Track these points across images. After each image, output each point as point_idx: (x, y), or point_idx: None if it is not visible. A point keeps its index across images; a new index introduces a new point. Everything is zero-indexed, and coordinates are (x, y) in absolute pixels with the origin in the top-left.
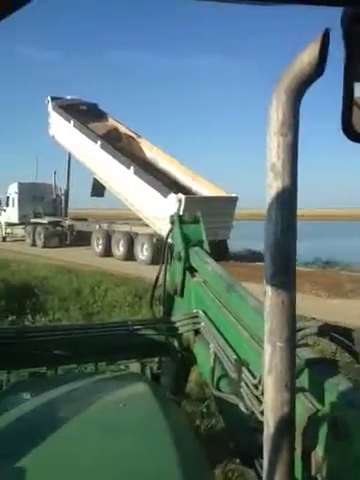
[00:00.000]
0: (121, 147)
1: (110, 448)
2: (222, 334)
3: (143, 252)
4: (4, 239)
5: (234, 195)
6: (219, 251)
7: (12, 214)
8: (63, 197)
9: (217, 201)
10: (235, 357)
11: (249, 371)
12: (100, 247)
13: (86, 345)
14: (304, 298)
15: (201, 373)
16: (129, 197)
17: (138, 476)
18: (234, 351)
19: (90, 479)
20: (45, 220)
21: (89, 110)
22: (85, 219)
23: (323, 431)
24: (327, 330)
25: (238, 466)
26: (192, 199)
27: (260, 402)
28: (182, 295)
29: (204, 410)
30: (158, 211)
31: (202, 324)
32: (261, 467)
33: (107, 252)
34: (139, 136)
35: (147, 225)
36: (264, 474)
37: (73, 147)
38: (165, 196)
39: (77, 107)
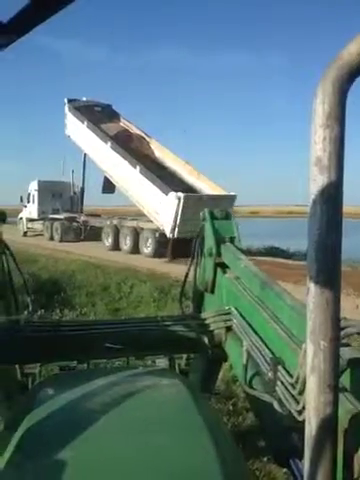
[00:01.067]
0: (131, 147)
1: (149, 442)
2: (256, 331)
3: (147, 246)
4: (25, 234)
5: (232, 194)
6: None
7: (32, 210)
8: (80, 194)
9: (215, 199)
10: (270, 355)
11: (285, 370)
12: (109, 241)
13: (116, 340)
14: None
15: (233, 371)
16: (135, 194)
17: (179, 471)
18: (269, 349)
19: (131, 473)
20: (62, 216)
21: (103, 111)
22: (99, 215)
23: None
24: None
25: (264, 464)
26: (190, 197)
27: (297, 402)
28: (213, 291)
29: (231, 408)
30: (160, 208)
31: (234, 321)
32: (296, 467)
33: (116, 246)
34: (149, 136)
35: (151, 221)
36: (305, 474)
37: (86, 147)
38: (166, 194)
39: (92, 108)
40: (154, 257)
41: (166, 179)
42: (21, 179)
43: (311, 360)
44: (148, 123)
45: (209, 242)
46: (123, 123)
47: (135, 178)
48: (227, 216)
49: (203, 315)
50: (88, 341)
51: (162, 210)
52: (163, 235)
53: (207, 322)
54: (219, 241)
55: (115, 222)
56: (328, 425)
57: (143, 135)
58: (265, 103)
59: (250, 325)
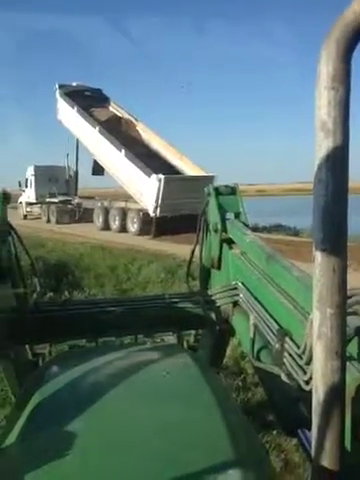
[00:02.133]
0: (119, 130)
1: (158, 415)
2: (263, 305)
3: (133, 225)
4: (25, 217)
5: (211, 174)
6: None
7: (31, 194)
8: (74, 178)
9: (195, 180)
10: (277, 327)
11: (292, 340)
12: (100, 222)
13: (124, 318)
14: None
15: (241, 345)
16: (121, 176)
17: (189, 444)
18: (276, 321)
19: (140, 446)
20: (57, 199)
21: (93, 96)
22: (93, 197)
23: None
24: None
25: (274, 437)
26: (171, 178)
27: (304, 372)
28: (219, 267)
29: (240, 383)
30: (143, 189)
31: (241, 296)
32: (305, 437)
33: (106, 226)
34: (137, 120)
35: (136, 201)
36: (313, 442)
37: (77, 131)
38: (149, 176)
39: (82, 93)
40: (140, 235)
41: (151, 161)
42: (21, 163)
43: (318, 327)
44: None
45: (214, 218)
46: (113, 107)
47: (121, 161)
48: (232, 191)
49: (210, 291)
50: (96, 319)
51: (145, 191)
52: (147, 214)
53: (214, 298)
54: (224, 217)
55: (105, 204)
56: (335, 392)
57: (131, 119)
58: (274, 84)
59: (257, 299)
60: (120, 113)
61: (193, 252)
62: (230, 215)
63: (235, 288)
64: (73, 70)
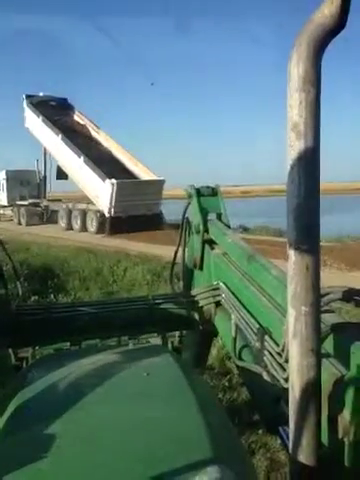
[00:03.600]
0: (81, 138)
1: (137, 414)
2: (243, 305)
3: (92, 225)
4: None
5: (161, 178)
6: (155, 221)
7: (3, 197)
8: (43, 182)
9: (146, 184)
10: (257, 326)
11: (272, 339)
12: (64, 222)
13: (108, 320)
14: (325, 272)
15: (223, 345)
16: (81, 181)
17: (167, 441)
18: (256, 320)
19: (118, 445)
20: (26, 202)
21: (58, 105)
22: (60, 200)
23: (349, 395)
24: (352, 294)
25: (261, 437)
26: (123, 183)
27: (284, 369)
28: (202, 268)
29: (226, 383)
30: (99, 192)
31: (223, 296)
32: (286, 435)
33: (69, 226)
34: (98, 128)
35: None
36: (291, 438)
37: (42, 138)
38: (103, 180)
39: (47, 103)
40: (98, 233)
41: (109, 166)
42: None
43: (293, 325)
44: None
45: (196, 219)
46: (77, 115)
47: (80, 167)
48: (214, 192)
49: (193, 292)
50: (80, 322)
51: (101, 194)
52: (103, 215)
53: (197, 299)
54: (206, 218)
55: (69, 206)
56: (311, 388)
57: (93, 127)
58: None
59: (238, 299)
60: (83, 121)
61: (176, 253)
62: (212, 216)
63: (217, 288)
64: (47, 71)
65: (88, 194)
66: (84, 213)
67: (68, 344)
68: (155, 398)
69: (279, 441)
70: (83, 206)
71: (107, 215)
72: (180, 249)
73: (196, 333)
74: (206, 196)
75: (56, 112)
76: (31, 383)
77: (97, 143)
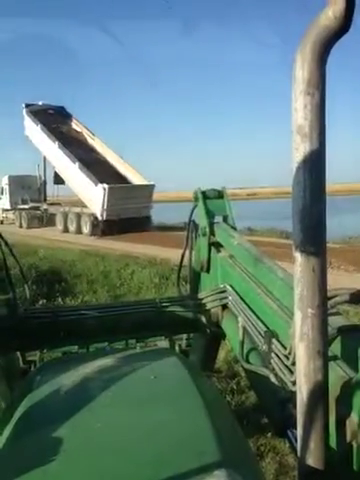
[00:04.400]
0: (77, 144)
1: (145, 418)
2: (250, 307)
3: (86, 227)
4: (1, 222)
5: (151, 183)
6: (144, 224)
7: (6, 201)
8: (43, 186)
9: (137, 188)
10: (264, 329)
11: (279, 342)
12: (61, 225)
13: (116, 323)
14: (332, 273)
15: (231, 347)
16: (75, 185)
17: (175, 445)
18: (263, 323)
19: (126, 448)
20: (27, 206)
21: (56, 113)
22: (59, 204)
23: (358, 398)
24: (359, 297)
25: (269, 440)
26: (114, 187)
27: (291, 372)
28: (208, 271)
29: (234, 386)
30: (92, 196)
31: (230, 298)
32: (294, 438)
33: (66, 229)
34: (94, 134)
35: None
36: (299, 441)
37: (41, 145)
38: (96, 185)
39: (46, 111)
40: (92, 235)
41: (103, 172)
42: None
43: (300, 328)
44: None
45: (202, 222)
46: (74, 123)
47: (75, 172)
48: (220, 195)
49: (200, 295)
50: (87, 325)
51: (94, 198)
52: (96, 218)
53: (204, 301)
54: (212, 220)
55: (66, 209)
56: (319, 391)
57: (89, 133)
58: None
59: (245, 301)
60: (79, 128)
61: (183, 256)
62: (218, 218)
63: (224, 291)
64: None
65: (82, 198)
66: (79, 216)
67: (76, 347)
68: (162, 401)
69: (288, 444)
70: (78, 210)
71: (100, 218)
72: (187, 252)
73: (203, 336)
74: (212, 199)
75: (54, 120)
76: (38, 387)
77: (92, 149)
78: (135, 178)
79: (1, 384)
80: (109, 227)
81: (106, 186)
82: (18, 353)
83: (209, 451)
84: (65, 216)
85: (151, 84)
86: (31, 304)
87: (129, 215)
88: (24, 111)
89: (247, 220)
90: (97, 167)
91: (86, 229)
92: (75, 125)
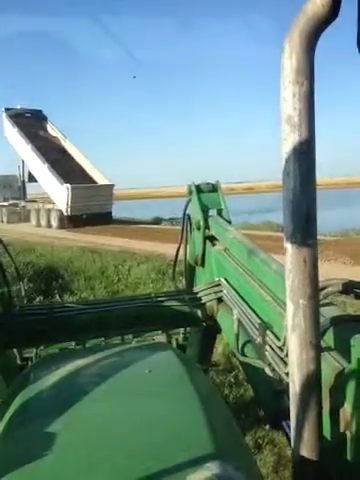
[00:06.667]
0: (49, 146)
1: (138, 412)
2: (245, 300)
3: (55, 221)
4: None
5: (111, 183)
6: (106, 218)
7: None
8: (22, 185)
9: (98, 188)
10: (259, 321)
11: (273, 334)
12: (35, 220)
13: (111, 319)
14: (329, 266)
15: (226, 340)
16: (46, 184)
17: (168, 438)
18: (257, 316)
19: (119, 442)
20: (6, 203)
21: (32, 117)
22: (35, 201)
23: (351, 388)
24: (352, 287)
25: (267, 432)
26: (77, 187)
27: (285, 364)
28: (203, 265)
29: (232, 380)
30: (59, 194)
31: (224, 292)
32: (289, 428)
33: (38, 224)
34: (65, 137)
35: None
36: (292, 432)
37: (17, 146)
38: (62, 184)
39: (23, 115)
40: (59, 229)
41: (71, 172)
42: None
43: (291, 319)
44: None
45: (197, 216)
46: (49, 126)
47: (44, 172)
48: (213, 188)
49: (195, 289)
50: (83, 321)
51: (59, 196)
52: (62, 213)
53: (199, 295)
54: (207, 214)
55: (39, 206)
56: (312, 382)
57: (61, 136)
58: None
59: (239, 294)
60: (54, 131)
61: (178, 250)
62: (212, 212)
63: (218, 284)
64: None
65: (51, 196)
66: (49, 212)
67: (73, 344)
68: (156, 395)
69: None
70: (49, 206)
71: (65, 214)
72: (182, 246)
73: (199, 330)
74: (206, 192)
75: (30, 123)
76: (33, 382)
77: (64, 151)
78: (99, 178)
79: None
80: (74, 221)
81: (69, 186)
82: (15, 350)
83: (202, 444)
84: (38, 212)
85: (148, 81)
86: (28, 301)
87: (91, 211)
88: (3, 114)
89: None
90: (65, 168)
91: (55, 223)
92: (50, 128)
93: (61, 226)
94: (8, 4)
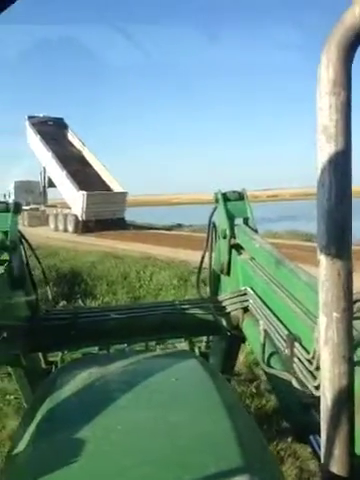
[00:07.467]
0: (69, 153)
1: (167, 421)
2: (272, 311)
3: (70, 226)
4: None
5: (124, 191)
6: (119, 224)
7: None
8: (43, 190)
9: (112, 195)
10: (286, 333)
11: (302, 346)
12: (53, 224)
13: (136, 325)
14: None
15: (252, 351)
16: (63, 190)
17: (197, 448)
18: (285, 327)
19: (147, 450)
20: (28, 207)
21: (54, 125)
22: (55, 206)
23: None
24: None
25: (290, 445)
26: (91, 194)
27: (314, 377)
28: (229, 273)
29: (253, 390)
30: (75, 200)
31: (250, 301)
32: (317, 443)
33: (56, 228)
34: (84, 145)
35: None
36: (322, 448)
37: (38, 153)
38: (77, 191)
39: (45, 123)
40: (74, 233)
41: (87, 179)
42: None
43: (324, 332)
44: None
45: (223, 224)
46: (70, 133)
47: (62, 178)
48: (240, 197)
49: (220, 297)
50: (107, 326)
51: (76, 202)
52: (77, 218)
53: (224, 304)
54: (233, 223)
55: (58, 211)
56: (344, 396)
57: (80, 144)
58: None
59: (266, 304)
60: (73, 139)
61: (203, 258)
62: (238, 221)
63: (244, 293)
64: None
65: (68, 201)
66: (66, 217)
67: (96, 348)
68: (184, 405)
69: (309, 450)
70: (67, 211)
71: (80, 219)
72: (207, 254)
73: (223, 339)
74: (233, 201)
75: (51, 131)
76: (60, 388)
77: (82, 159)
78: (114, 186)
79: (24, 385)
80: (88, 226)
81: (85, 192)
82: (40, 354)
83: (231, 455)
84: (56, 217)
85: (177, 90)
86: (52, 305)
87: (105, 217)
88: (27, 122)
89: (268, 222)
90: (83, 175)
91: (70, 228)
92: (70, 136)
93: (76, 230)
94: (30, 13)
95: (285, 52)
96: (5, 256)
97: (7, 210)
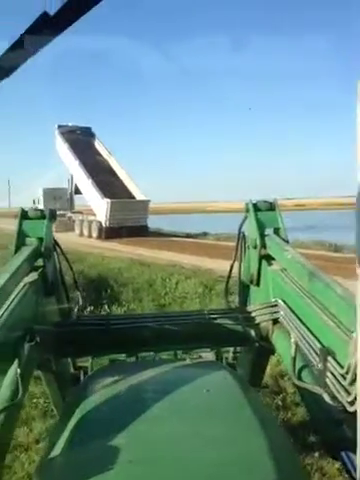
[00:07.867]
0: (96, 162)
1: (201, 432)
2: (304, 323)
3: (94, 232)
4: None
5: (148, 199)
6: (141, 231)
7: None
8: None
9: (135, 203)
10: (319, 346)
11: (335, 360)
12: (78, 230)
13: (164, 333)
14: None
15: (282, 363)
16: (88, 197)
17: (230, 461)
18: (318, 340)
19: (180, 461)
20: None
21: (82, 134)
22: (81, 212)
23: None
24: None
25: (317, 460)
26: (115, 202)
27: (348, 392)
28: (258, 284)
29: (279, 403)
30: (99, 207)
31: (281, 313)
32: (349, 459)
33: (81, 233)
34: (110, 154)
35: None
36: (358, 465)
37: (66, 161)
38: (102, 198)
39: (74, 132)
40: (98, 239)
41: (113, 187)
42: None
43: None
44: None
45: (253, 234)
46: (97, 143)
47: (88, 186)
48: (271, 207)
49: (249, 308)
50: (136, 334)
51: (100, 209)
52: (101, 225)
53: (253, 315)
54: (263, 233)
55: (83, 217)
56: None
57: (107, 153)
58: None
59: (298, 317)
60: (100, 148)
61: (232, 267)
62: (269, 231)
63: (275, 305)
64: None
65: (93, 208)
66: (90, 223)
67: (123, 355)
68: (216, 416)
69: (336, 466)
70: (91, 218)
71: (104, 225)
72: (236, 264)
73: (251, 350)
74: (263, 210)
75: (79, 139)
76: (91, 395)
77: (108, 167)
78: (137, 194)
79: (53, 389)
80: (111, 233)
81: (109, 200)
82: (69, 359)
83: (263, 468)
84: (81, 223)
85: (204, 96)
86: (81, 311)
87: (128, 224)
88: (56, 131)
89: (294, 231)
90: (108, 183)
91: (95, 233)
92: (97, 145)
93: (99, 236)
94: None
95: (318, 59)
96: (40, 262)
97: (42, 217)
